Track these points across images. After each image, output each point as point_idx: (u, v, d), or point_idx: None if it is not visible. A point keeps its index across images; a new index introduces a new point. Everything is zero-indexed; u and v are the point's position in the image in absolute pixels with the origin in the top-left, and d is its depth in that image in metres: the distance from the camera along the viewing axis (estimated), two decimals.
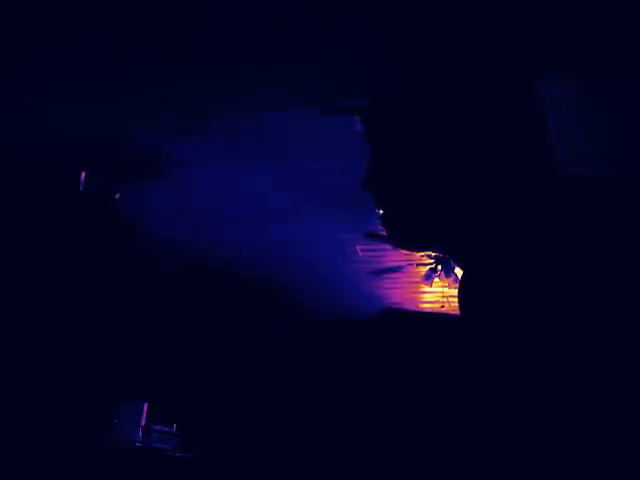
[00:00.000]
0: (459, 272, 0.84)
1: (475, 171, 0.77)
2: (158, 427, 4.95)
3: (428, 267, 4.79)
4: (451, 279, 4.63)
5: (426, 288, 5.28)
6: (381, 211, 0.85)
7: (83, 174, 3.84)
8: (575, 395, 0.62)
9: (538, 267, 0.67)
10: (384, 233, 0.86)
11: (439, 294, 5.58)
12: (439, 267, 4.69)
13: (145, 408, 4.93)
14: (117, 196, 4.00)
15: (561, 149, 0.82)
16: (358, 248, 5.14)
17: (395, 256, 4.94)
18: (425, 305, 6.12)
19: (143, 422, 4.87)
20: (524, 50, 0.84)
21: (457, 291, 0.81)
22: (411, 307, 6.05)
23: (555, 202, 0.71)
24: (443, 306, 5.60)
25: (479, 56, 0.80)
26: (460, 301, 0.80)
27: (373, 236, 4.32)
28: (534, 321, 0.65)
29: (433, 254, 4.60)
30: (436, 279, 4.79)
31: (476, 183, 0.77)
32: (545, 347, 0.64)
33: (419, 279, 5.04)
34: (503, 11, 2.45)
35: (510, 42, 0.81)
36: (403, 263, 4.96)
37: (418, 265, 4.89)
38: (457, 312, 0.81)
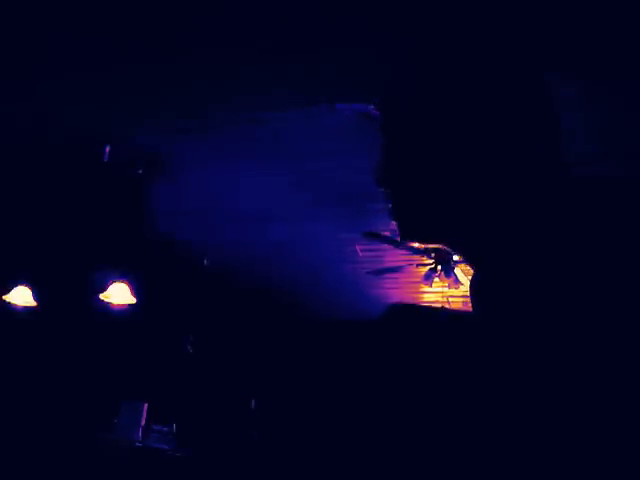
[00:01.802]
0: (459, 272, 0.84)
1: (485, 170, 0.77)
2: (158, 427, 4.94)
3: (428, 267, 4.78)
4: (451, 279, 4.63)
5: (426, 288, 5.28)
6: (391, 205, 0.85)
7: (107, 149, 3.80)
8: (580, 393, 0.62)
9: (546, 264, 0.67)
10: (384, 233, 0.86)
11: (439, 294, 5.58)
12: (439, 267, 4.69)
13: (145, 408, 4.93)
14: (140, 172, 3.95)
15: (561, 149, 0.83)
16: (358, 248, 5.14)
17: (395, 256, 4.93)
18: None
19: (143, 422, 4.87)
20: (534, 50, 0.84)
21: (469, 288, 0.81)
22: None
23: (561, 201, 0.71)
24: (443, 306, 5.60)
25: (487, 55, 0.80)
26: (471, 298, 0.80)
27: (373, 236, 4.32)
28: (544, 318, 0.65)
29: (433, 254, 4.60)
30: (436, 279, 4.79)
31: (485, 181, 0.77)
32: (554, 344, 0.64)
33: (419, 279, 5.03)
34: (503, 11, 2.45)
35: (516, 42, 0.81)
36: (403, 263, 4.95)
37: (418, 265, 4.89)
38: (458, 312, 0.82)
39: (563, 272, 0.65)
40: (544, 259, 0.68)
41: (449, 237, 0.83)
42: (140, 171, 3.94)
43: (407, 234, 0.86)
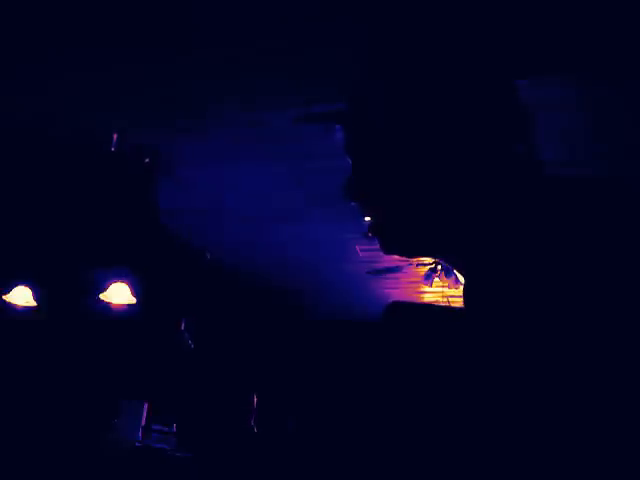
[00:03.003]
0: (459, 273, 0.83)
1: (469, 175, 0.76)
2: (158, 427, 4.94)
3: (428, 267, 4.79)
4: (451, 279, 4.63)
5: (426, 288, 5.28)
6: (368, 219, 0.84)
7: (115, 135, 3.77)
8: (577, 393, 0.62)
9: (538, 268, 0.67)
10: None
11: (439, 294, 5.59)
12: (439, 267, 4.69)
13: (145, 408, 4.93)
14: (147, 160, 3.93)
15: (561, 149, 0.82)
16: (358, 248, 5.14)
17: (395, 256, 4.94)
18: None
19: (143, 422, 4.87)
20: (510, 51, 0.83)
21: (462, 295, 0.80)
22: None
23: (554, 203, 0.71)
24: (443, 305, 5.59)
25: (470, 57, 0.79)
26: (465, 304, 0.79)
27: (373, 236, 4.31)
28: (535, 322, 0.65)
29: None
30: (436, 279, 4.79)
31: (470, 187, 0.76)
32: (547, 347, 0.64)
33: (419, 279, 5.04)
34: (503, 11, 2.45)
35: (497, 43, 0.80)
36: (403, 263, 4.96)
37: (418, 265, 4.89)
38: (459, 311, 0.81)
39: (557, 276, 0.65)
40: (539, 263, 0.68)
41: (435, 248, 0.82)
42: (147, 160, 3.91)
43: (389, 249, 0.84)
